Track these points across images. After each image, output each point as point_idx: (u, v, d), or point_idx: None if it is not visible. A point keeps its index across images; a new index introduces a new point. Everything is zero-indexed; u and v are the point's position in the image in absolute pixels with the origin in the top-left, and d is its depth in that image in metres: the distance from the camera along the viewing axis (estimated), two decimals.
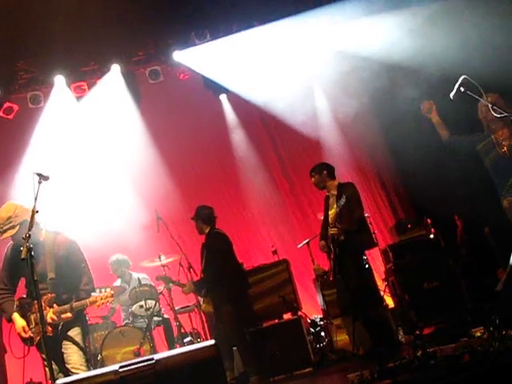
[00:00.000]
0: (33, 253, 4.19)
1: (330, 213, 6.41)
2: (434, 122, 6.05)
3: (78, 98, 9.07)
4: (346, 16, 8.80)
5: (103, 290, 4.76)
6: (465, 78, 5.37)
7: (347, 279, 6.19)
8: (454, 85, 5.36)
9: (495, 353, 3.74)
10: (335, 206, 6.28)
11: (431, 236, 7.49)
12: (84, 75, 9.15)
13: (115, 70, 9.10)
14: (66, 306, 4.72)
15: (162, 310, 7.81)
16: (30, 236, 4.25)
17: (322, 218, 6.65)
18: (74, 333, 4.83)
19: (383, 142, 9.56)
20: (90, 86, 9.13)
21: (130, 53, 9.27)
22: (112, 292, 4.79)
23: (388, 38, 8.20)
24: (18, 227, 4.72)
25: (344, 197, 6.00)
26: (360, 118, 9.33)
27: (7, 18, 7.59)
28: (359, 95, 9.30)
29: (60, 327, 4.76)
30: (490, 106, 5.28)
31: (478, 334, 4.25)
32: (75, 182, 8.83)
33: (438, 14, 7.78)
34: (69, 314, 4.71)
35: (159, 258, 7.65)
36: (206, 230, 6.74)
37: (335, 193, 6.38)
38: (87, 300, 4.77)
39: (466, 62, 6.61)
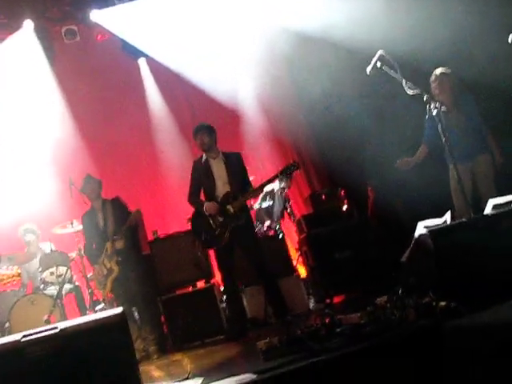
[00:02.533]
0: None
1: (218, 180, 6.31)
2: None
3: None
4: None
5: (10, 267, 4.62)
6: (381, 54, 5.46)
7: (256, 249, 6.32)
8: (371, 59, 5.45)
9: (396, 322, 3.91)
10: (226, 173, 6.28)
11: (344, 207, 7.70)
12: None
13: (28, 26, 8.54)
14: None
15: (74, 277, 7.66)
16: None
17: (192, 183, 6.51)
18: None
19: (302, 114, 9.63)
20: None
21: (45, 8, 8.77)
22: (19, 272, 4.68)
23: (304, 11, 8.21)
24: None
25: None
26: (282, 93, 9.34)
27: None
28: (282, 71, 9.32)
29: None
30: (403, 82, 5.38)
31: (382, 303, 4.40)
32: None
33: None
34: None
35: (71, 223, 7.48)
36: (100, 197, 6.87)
37: (223, 159, 6.38)
38: None
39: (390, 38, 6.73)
